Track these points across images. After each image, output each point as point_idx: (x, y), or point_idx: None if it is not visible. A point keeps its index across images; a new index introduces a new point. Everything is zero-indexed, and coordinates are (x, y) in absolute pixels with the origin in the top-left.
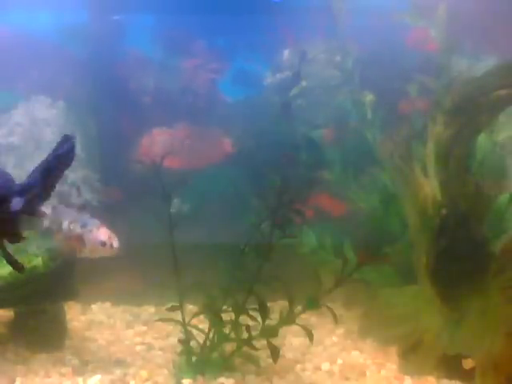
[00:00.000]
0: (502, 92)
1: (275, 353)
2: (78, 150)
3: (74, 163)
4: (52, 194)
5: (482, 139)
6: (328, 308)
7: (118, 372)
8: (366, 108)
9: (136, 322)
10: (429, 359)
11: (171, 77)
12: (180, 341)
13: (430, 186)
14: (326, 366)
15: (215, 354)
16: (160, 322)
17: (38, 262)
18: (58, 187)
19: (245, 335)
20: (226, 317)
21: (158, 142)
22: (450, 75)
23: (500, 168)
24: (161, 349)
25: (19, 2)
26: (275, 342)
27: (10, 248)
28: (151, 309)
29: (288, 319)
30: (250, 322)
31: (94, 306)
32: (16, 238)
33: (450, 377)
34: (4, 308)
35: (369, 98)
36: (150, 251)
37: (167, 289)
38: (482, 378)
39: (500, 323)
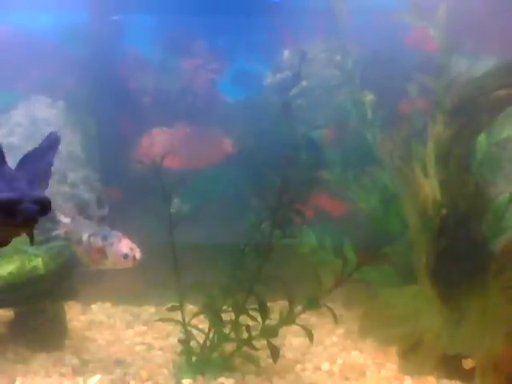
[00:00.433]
0: (502, 92)
1: (275, 353)
2: (78, 150)
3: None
4: (72, 205)
5: (481, 139)
6: (328, 308)
7: (118, 372)
8: (365, 108)
9: (136, 322)
10: (429, 359)
11: (171, 77)
12: (180, 341)
13: (429, 186)
14: (326, 366)
15: (215, 354)
16: (160, 322)
17: (38, 262)
18: (58, 187)
19: (245, 335)
20: (226, 317)
21: (158, 142)
22: (450, 75)
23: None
24: (161, 349)
25: (19, 2)
26: (275, 342)
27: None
28: (151, 309)
29: (288, 319)
30: (250, 322)
31: (93, 306)
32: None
33: (450, 377)
34: (4, 308)
35: (369, 97)
36: (150, 251)
37: (167, 289)
38: (482, 378)
39: (500, 323)
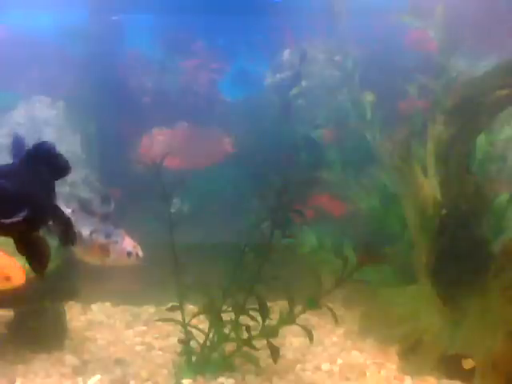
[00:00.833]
0: (502, 92)
1: (275, 353)
2: (78, 150)
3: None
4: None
5: (481, 139)
6: (328, 308)
7: (117, 372)
8: (365, 108)
9: (136, 322)
10: (429, 359)
11: (171, 77)
12: (180, 341)
13: (430, 186)
14: (326, 366)
15: (215, 354)
16: (160, 322)
17: None
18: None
19: (245, 335)
20: (226, 317)
21: (158, 142)
22: (450, 75)
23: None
24: (161, 349)
25: (19, 2)
26: (275, 342)
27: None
28: (151, 309)
29: (288, 319)
30: (250, 322)
31: (93, 306)
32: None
33: (450, 377)
34: (4, 308)
35: (369, 98)
36: (150, 251)
37: (167, 289)
38: (481, 378)
39: (500, 323)
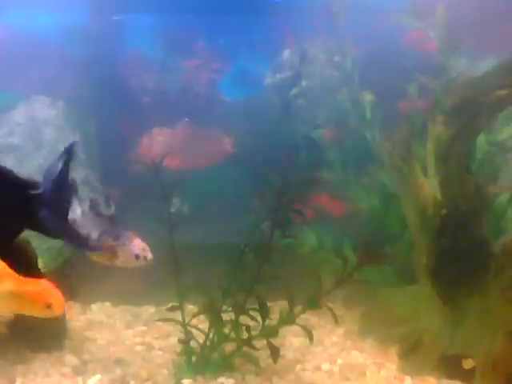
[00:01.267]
0: (502, 92)
1: (275, 353)
2: (78, 150)
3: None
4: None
5: (481, 139)
6: (328, 308)
7: (117, 372)
8: (365, 108)
9: (136, 322)
10: (429, 359)
11: (171, 77)
12: (180, 341)
13: (430, 186)
14: (326, 366)
15: (215, 354)
16: (160, 322)
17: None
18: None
19: (245, 335)
20: (226, 317)
21: (158, 142)
22: (450, 75)
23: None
24: (161, 349)
25: (19, 2)
26: (275, 342)
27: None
28: (151, 309)
29: (288, 319)
30: (250, 322)
31: (93, 306)
32: None
33: (450, 377)
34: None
35: (368, 97)
36: (150, 251)
37: (167, 289)
38: (481, 378)
39: (500, 323)
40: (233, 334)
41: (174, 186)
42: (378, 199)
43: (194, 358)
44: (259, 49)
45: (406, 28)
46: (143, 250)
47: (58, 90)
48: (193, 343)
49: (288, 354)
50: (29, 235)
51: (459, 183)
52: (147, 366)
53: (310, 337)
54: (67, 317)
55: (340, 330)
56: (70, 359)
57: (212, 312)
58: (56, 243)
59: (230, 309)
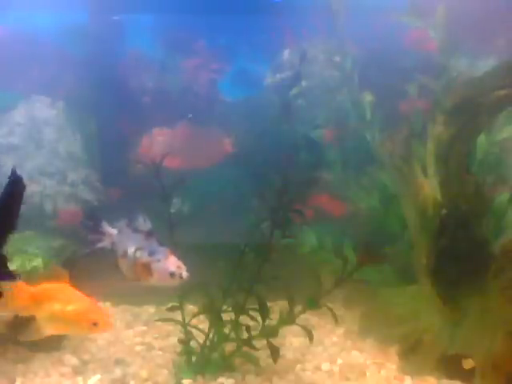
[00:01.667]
0: (502, 92)
1: (275, 353)
2: (79, 150)
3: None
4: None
5: (481, 139)
6: (328, 308)
7: (117, 372)
8: (365, 108)
9: (136, 322)
10: (429, 359)
11: (172, 77)
12: (180, 341)
13: (430, 186)
14: (326, 366)
15: (215, 354)
16: (160, 322)
17: (38, 262)
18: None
19: (245, 335)
20: (226, 317)
21: (158, 142)
22: (450, 75)
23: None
24: (161, 349)
25: (19, 2)
26: (275, 342)
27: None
28: (151, 309)
29: (288, 319)
30: (250, 322)
31: None
32: None
33: (450, 377)
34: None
35: (368, 98)
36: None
37: (167, 289)
38: (482, 378)
39: (500, 323)
40: (233, 334)
41: (175, 186)
42: (378, 199)
43: (194, 358)
44: (259, 49)
45: (406, 28)
46: (178, 267)
47: (58, 90)
48: (193, 343)
49: (288, 354)
50: (30, 234)
51: (459, 183)
52: (147, 366)
53: (310, 337)
54: None
55: (340, 330)
56: (70, 359)
57: (212, 312)
58: (56, 243)
59: (230, 309)
